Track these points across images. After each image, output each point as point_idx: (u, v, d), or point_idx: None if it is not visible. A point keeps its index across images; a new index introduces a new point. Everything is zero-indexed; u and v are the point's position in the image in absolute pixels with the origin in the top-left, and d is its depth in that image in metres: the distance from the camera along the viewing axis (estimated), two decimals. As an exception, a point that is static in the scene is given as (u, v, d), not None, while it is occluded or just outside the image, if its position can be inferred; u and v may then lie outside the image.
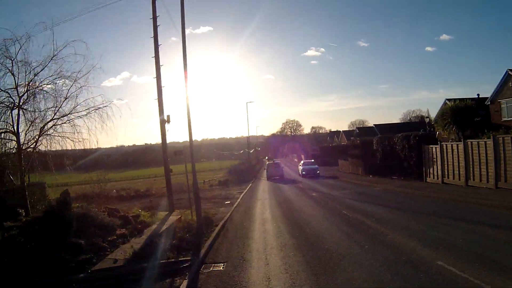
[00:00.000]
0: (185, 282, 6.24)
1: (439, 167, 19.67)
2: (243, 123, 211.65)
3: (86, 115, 10.31)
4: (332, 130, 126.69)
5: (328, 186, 23.18)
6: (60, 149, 9.57)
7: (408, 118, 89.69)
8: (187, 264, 7.17)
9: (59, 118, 10.10)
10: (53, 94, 9.99)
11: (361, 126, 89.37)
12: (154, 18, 13.72)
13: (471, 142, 17.24)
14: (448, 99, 45.30)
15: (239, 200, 20.24)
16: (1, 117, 9.46)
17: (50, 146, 9.70)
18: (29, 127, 9.88)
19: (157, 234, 9.46)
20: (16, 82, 9.71)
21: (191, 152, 12.44)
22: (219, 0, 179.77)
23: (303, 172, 35.73)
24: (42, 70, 9.93)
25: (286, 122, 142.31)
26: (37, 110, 9.84)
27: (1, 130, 9.72)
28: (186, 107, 12.27)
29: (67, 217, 7.98)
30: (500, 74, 24.13)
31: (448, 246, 7.17)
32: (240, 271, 6.86)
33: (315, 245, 8.22)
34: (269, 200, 19.09)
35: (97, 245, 7.81)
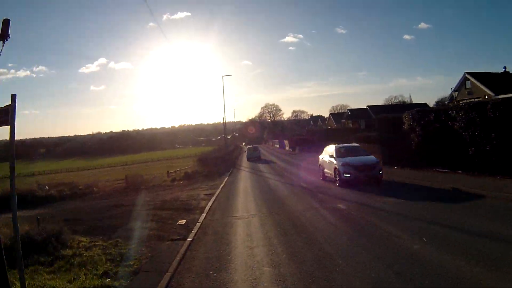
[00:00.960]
0: None
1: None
2: (221, 109, 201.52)
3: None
4: (314, 115, 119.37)
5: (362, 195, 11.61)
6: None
7: (390, 103, 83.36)
8: None
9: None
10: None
11: (342, 111, 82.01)
12: None
13: None
14: (468, 73, 37.37)
15: (203, 215, 10.61)
16: None
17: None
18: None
19: None
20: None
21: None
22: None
23: (347, 174, 14.17)
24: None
25: (265, 106, 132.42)
26: None
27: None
28: None
29: None
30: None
31: None
32: None
33: None
34: (261, 218, 9.60)
35: None
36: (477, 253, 5.20)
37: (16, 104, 3.99)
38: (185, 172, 25.60)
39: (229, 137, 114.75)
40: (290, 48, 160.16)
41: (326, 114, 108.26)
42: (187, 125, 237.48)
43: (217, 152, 37.45)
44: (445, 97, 52.06)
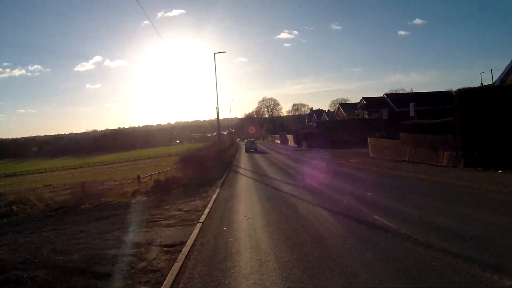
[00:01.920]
0: None
1: None
2: (217, 105, 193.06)
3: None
4: (314, 109, 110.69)
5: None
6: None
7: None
8: None
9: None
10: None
11: (344, 104, 73.43)
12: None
13: None
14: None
15: None
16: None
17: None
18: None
19: None
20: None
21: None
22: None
23: None
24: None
25: (263, 100, 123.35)
26: None
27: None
28: None
29: None
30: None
31: None
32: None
33: None
34: None
35: None
36: None
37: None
38: (155, 181, 16.64)
39: (225, 133, 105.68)
40: (286, 44, 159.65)
41: (324, 109, 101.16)
42: (184, 121, 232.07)
43: (209, 149, 28.55)
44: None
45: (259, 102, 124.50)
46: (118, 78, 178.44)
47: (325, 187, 12.53)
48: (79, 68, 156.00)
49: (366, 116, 45.52)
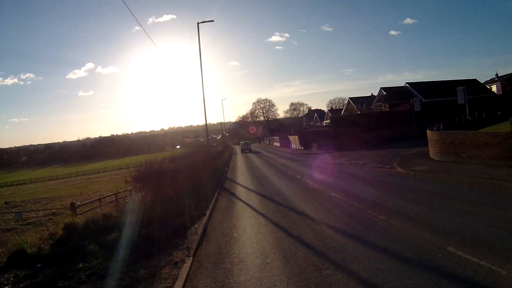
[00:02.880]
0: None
1: None
2: (210, 110, 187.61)
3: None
4: (312, 109, 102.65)
5: None
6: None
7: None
8: None
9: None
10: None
11: (354, 98, 65.97)
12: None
13: None
14: None
15: None
16: None
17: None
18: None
19: None
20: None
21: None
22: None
23: None
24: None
25: (257, 102, 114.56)
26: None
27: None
28: None
29: None
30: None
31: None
32: None
33: None
34: None
35: None
36: None
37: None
38: (65, 226, 7.79)
39: (218, 137, 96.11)
40: (277, 47, 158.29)
41: (321, 109, 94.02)
42: (177, 127, 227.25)
43: (195, 156, 19.65)
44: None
45: (253, 103, 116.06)
46: (111, 84, 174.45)
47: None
48: (71, 75, 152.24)
49: (386, 109, 37.29)
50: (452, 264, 4.23)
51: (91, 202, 14.46)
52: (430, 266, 4.24)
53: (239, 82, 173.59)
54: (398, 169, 13.69)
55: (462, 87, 24.27)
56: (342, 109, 63.57)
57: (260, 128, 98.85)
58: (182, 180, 13.11)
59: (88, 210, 12.24)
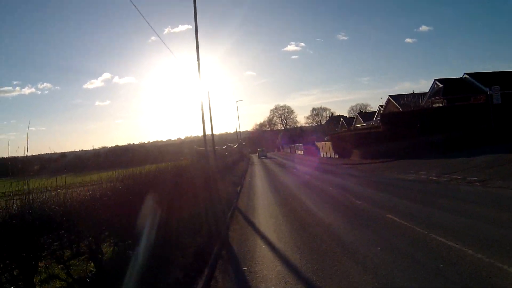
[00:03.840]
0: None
1: None
2: (227, 119, 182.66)
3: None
4: (334, 115, 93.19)
5: None
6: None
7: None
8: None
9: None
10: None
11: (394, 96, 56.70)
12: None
13: None
14: None
15: None
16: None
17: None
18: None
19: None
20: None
21: None
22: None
23: None
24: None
25: (275, 108, 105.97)
26: None
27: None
28: None
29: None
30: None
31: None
32: None
33: None
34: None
35: None
36: None
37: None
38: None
39: (235, 146, 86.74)
40: (293, 57, 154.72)
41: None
42: (193, 136, 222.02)
43: (188, 172, 10.74)
44: None
45: (271, 110, 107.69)
46: (127, 94, 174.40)
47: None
48: (88, 85, 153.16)
49: (441, 104, 27.67)
50: None
51: None
52: None
53: (256, 92, 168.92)
54: None
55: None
56: (375, 112, 53.88)
57: (279, 136, 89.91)
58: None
59: None
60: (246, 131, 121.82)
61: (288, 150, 70.64)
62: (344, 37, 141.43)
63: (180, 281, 4.77)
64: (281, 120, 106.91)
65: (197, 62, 13.94)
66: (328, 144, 33.95)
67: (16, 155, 4.86)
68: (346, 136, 28.12)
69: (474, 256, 4.57)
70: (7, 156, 4.79)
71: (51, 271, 4.52)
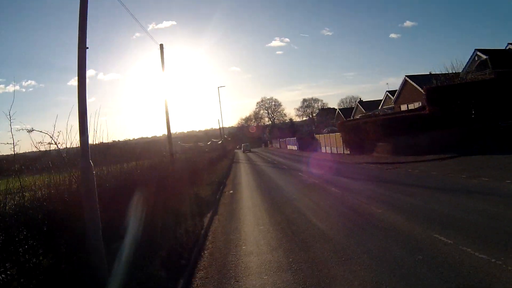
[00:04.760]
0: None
1: None
2: (212, 115, 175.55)
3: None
4: (325, 107, 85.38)
5: None
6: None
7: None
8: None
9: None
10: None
11: (412, 76, 49.82)
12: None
13: None
14: None
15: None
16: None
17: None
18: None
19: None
20: None
21: None
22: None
23: None
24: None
25: (262, 101, 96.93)
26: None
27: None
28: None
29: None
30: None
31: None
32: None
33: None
34: None
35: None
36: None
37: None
38: None
39: (220, 141, 78.17)
40: (278, 52, 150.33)
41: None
42: (179, 132, 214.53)
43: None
44: None
45: (257, 103, 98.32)
46: (112, 91, 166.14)
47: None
48: (73, 82, 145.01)
49: (489, 76, 19.80)
50: None
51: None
52: None
53: (241, 87, 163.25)
54: None
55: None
56: (381, 100, 46.18)
57: (267, 130, 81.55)
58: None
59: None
60: (232, 127, 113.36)
61: (278, 145, 62.36)
62: (328, 33, 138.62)
63: None
64: (268, 113, 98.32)
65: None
66: (335, 136, 25.69)
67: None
68: (366, 124, 19.89)
69: None
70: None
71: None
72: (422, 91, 29.46)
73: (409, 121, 17.04)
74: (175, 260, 4.92)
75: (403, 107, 32.83)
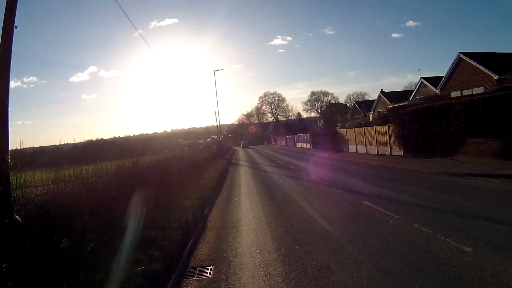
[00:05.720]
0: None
1: None
2: (213, 112, 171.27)
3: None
4: (334, 102, 76.93)
5: None
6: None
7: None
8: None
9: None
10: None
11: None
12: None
13: None
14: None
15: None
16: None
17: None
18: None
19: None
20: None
21: None
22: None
23: None
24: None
25: (264, 95, 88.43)
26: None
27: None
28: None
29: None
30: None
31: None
32: None
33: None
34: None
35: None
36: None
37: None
38: None
39: (220, 138, 70.93)
40: (279, 50, 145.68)
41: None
42: (180, 129, 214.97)
43: None
44: None
45: (260, 97, 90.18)
46: (114, 88, 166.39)
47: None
48: (74, 79, 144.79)
49: None
50: None
51: None
52: None
53: (242, 85, 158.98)
54: None
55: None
56: (412, 91, 38.14)
57: (270, 126, 73.42)
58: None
59: None
60: (233, 124, 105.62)
61: (284, 142, 54.14)
62: (331, 32, 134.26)
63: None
64: (271, 109, 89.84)
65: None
66: (376, 130, 17.64)
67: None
68: (447, 110, 11.81)
69: None
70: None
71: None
72: (489, 73, 21.47)
73: None
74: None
75: (454, 94, 24.57)
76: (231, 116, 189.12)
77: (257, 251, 5.02)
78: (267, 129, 76.98)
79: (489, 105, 10.83)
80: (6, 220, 3.44)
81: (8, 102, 3.99)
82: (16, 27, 4.29)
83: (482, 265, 3.63)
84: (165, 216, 6.74)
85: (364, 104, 49.04)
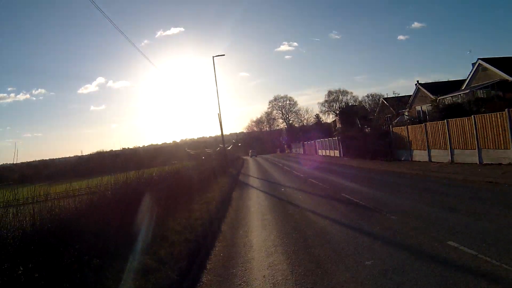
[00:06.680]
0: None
1: None
2: (224, 121, 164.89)
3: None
4: (352, 104, 68.77)
5: None
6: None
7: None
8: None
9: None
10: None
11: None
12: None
13: None
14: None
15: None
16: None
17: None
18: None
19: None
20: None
21: None
22: (190, 1, 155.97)
23: None
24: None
25: (275, 100, 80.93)
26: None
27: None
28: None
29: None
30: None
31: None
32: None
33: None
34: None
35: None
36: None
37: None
38: None
39: (229, 147, 63.04)
40: (286, 57, 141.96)
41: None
42: (189, 139, 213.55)
43: None
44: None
45: (270, 102, 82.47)
46: (122, 98, 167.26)
47: None
48: (82, 90, 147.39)
49: None
50: None
51: None
52: None
53: (250, 93, 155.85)
54: None
55: None
56: (465, 80, 30.19)
57: (283, 131, 65.98)
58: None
59: None
60: (242, 133, 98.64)
61: (301, 150, 46.62)
62: (337, 36, 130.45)
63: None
64: (282, 113, 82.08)
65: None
66: (490, 119, 10.26)
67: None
68: None
69: None
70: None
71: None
72: None
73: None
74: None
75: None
76: (240, 124, 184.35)
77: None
78: (280, 135, 69.54)
79: None
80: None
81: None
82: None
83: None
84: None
85: (395, 100, 41.22)
